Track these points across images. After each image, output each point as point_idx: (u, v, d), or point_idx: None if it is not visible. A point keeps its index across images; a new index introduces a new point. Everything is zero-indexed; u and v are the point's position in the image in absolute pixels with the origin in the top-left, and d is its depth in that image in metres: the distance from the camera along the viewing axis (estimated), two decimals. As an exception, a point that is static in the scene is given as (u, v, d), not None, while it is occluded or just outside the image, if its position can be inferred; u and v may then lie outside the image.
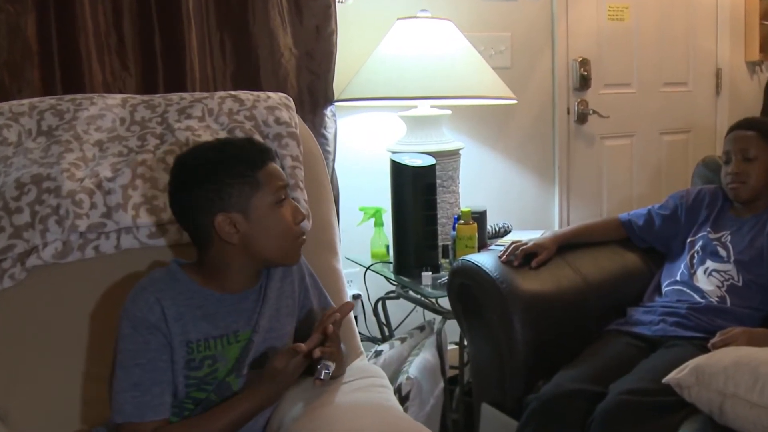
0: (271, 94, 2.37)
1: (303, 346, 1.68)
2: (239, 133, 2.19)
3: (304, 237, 1.80)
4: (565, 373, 2.28)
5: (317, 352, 1.69)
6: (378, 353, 2.91)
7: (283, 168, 1.84)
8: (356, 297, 3.42)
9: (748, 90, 4.79)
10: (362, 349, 2.26)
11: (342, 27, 3.20)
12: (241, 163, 1.69)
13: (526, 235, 2.85)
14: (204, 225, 1.70)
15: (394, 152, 3.13)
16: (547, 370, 2.34)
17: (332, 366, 1.71)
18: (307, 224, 2.13)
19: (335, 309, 1.79)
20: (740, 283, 2.48)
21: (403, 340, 3.01)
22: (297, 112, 2.39)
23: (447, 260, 3.09)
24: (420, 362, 2.82)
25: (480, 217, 3.11)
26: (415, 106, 3.32)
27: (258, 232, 1.71)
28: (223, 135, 2.18)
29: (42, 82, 2.60)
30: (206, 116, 2.23)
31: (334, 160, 3.20)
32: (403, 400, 2.68)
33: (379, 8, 3.48)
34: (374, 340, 3.36)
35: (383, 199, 3.21)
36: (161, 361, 1.66)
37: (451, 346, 3.19)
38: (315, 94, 3.15)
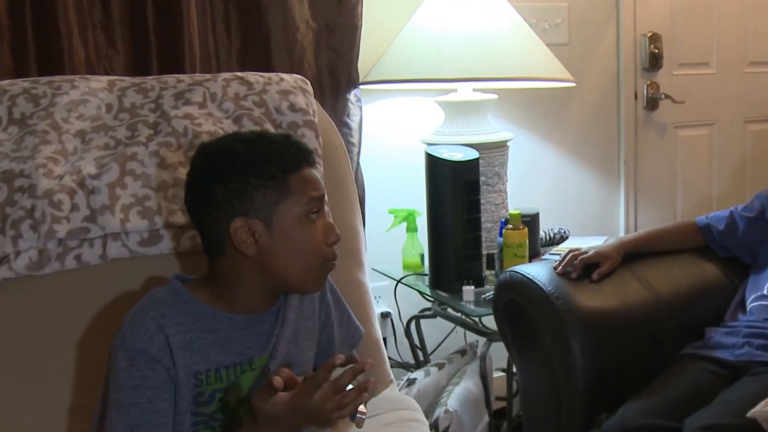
0: (284, 75, 2.37)
1: (280, 380, 1.59)
2: (247, 122, 2.19)
3: (335, 262, 1.75)
4: (633, 406, 2.28)
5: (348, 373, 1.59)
6: (411, 382, 2.92)
7: None
8: (385, 315, 3.45)
9: None
10: (392, 376, 2.26)
11: (368, -4, 3.22)
12: (273, 163, 1.66)
13: (585, 243, 2.85)
14: (218, 228, 1.67)
15: (429, 144, 3.14)
16: (611, 402, 2.34)
17: (363, 410, 1.63)
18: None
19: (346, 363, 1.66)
20: (840, 299, 2.46)
21: (440, 366, 3.02)
22: (315, 97, 2.39)
23: (492, 272, 3.08)
24: (461, 392, 2.83)
25: (532, 221, 3.11)
26: (455, 90, 3.32)
27: (279, 246, 1.67)
28: (228, 123, 2.19)
29: (14, 62, 2.63)
30: (208, 102, 2.24)
31: (359, 154, 3.22)
32: (440, 437, 2.67)
33: (413, -26, 3.47)
34: (406, 367, 3.37)
35: (417, 200, 3.20)
36: (162, 401, 1.64)
37: (497, 374, 3.19)
38: (336, 76, 3.16)
